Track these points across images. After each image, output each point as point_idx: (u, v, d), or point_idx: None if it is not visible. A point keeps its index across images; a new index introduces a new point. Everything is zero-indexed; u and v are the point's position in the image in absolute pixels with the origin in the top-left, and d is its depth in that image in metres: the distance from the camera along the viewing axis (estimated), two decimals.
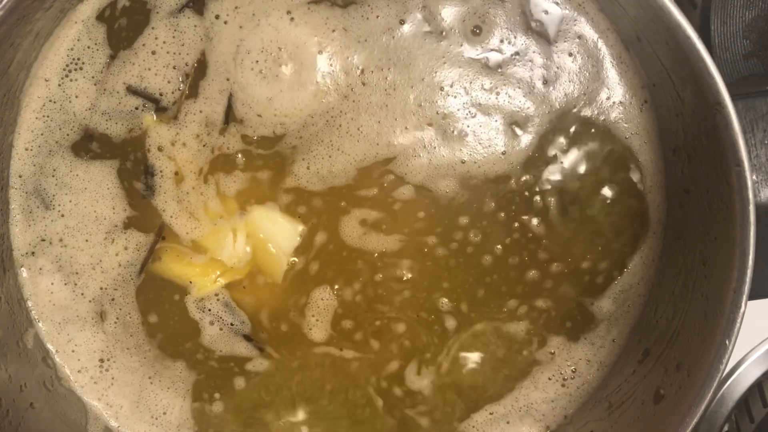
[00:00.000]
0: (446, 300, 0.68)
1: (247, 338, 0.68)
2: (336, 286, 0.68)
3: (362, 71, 0.66)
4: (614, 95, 0.67)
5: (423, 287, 0.68)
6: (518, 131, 0.67)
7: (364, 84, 0.66)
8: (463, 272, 0.68)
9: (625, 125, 0.68)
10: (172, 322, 0.68)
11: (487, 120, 0.67)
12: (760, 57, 0.78)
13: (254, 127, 0.67)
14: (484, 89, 0.67)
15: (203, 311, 0.68)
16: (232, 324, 0.68)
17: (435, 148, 0.67)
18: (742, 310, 0.57)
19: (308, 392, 0.69)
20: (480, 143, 0.67)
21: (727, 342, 0.57)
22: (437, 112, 0.67)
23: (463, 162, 0.67)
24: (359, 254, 0.68)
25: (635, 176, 0.68)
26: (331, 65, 0.66)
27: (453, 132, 0.67)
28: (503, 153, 0.67)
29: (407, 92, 0.66)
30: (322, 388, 0.69)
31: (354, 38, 0.66)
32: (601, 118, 0.68)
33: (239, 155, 0.67)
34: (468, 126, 0.67)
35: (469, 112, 0.67)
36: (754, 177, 0.70)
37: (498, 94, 0.67)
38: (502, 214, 0.68)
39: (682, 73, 0.60)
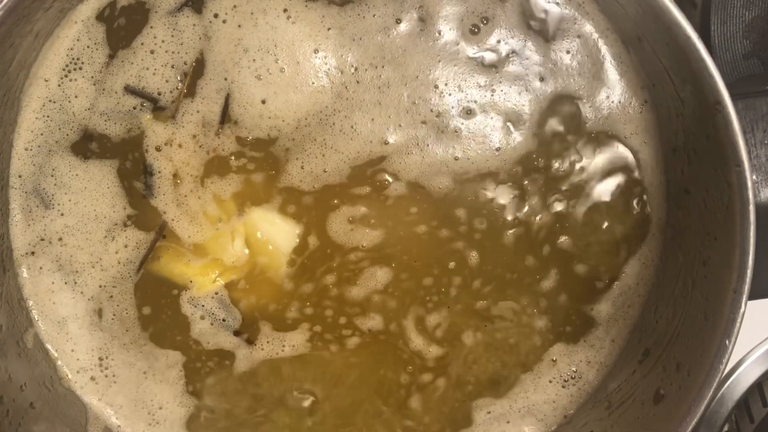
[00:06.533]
0: (433, 299, 0.68)
1: (237, 333, 0.68)
2: (333, 285, 0.68)
3: (356, 69, 0.66)
4: (614, 95, 0.67)
5: (420, 284, 0.68)
6: (513, 128, 0.67)
7: (358, 82, 0.66)
8: (461, 271, 0.68)
9: (625, 125, 0.68)
10: (165, 316, 0.68)
11: (482, 117, 0.67)
12: (760, 57, 0.78)
13: (249, 128, 0.67)
14: (480, 87, 0.67)
15: (195, 306, 0.68)
16: (224, 320, 0.68)
17: (428, 145, 0.67)
18: (742, 310, 0.57)
19: (303, 389, 0.69)
20: (474, 140, 0.67)
21: (727, 342, 0.57)
22: (431, 110, 0.67)
23: (456, 159, 0.67)
24: (352, 252, 0.68)
25: (635, 176, 0.68)
26: (326, 63, 0.66)
27: (447, 129, 0.67)
28: (497, 149, 0.67)
29: (401, 90, 0.66)
30: (316, 385, 0.69)
31: (349, 36, 0.66)
32: (601, 117, 0.67)
33: (232, 157, 0.67)
34: (462, 123, 0.67)
35: (464, 109, 0.67)
36: (754, 177, 0.70)
37: (493, 91, 0.67)
38: (496, 211, 0.67)
39: (682, 73, 0.60)
